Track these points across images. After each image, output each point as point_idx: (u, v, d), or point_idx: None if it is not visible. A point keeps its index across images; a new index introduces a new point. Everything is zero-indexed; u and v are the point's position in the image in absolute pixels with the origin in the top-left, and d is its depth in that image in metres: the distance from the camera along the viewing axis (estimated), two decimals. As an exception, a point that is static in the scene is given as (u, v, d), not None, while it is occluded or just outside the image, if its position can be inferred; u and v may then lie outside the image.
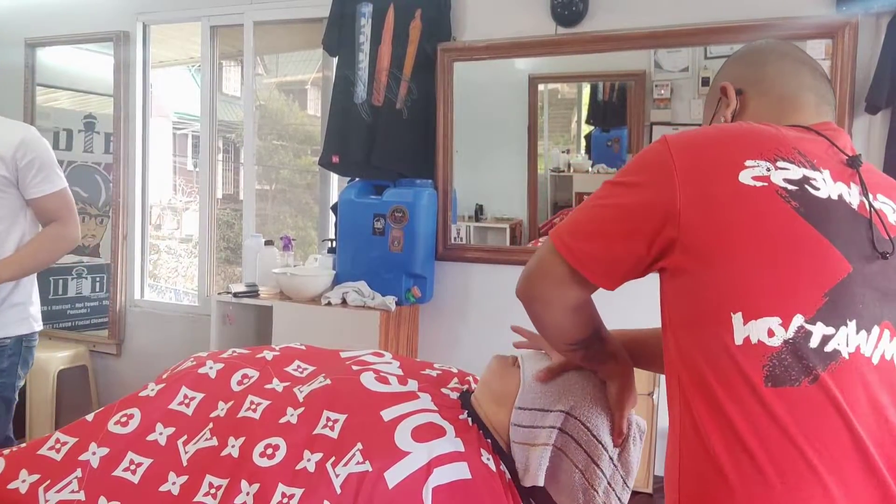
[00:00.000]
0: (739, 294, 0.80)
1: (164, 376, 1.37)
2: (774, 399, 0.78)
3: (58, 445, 1.24)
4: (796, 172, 0.85)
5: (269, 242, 2.85)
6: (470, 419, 1.22)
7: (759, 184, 0.83)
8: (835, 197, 0.85)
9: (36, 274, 2.02)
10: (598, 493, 1.14)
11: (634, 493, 2.24)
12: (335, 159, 2.74)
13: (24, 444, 1.30)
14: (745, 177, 0.84)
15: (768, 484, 0.76)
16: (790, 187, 0.83)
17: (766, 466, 0.77)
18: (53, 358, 3.22)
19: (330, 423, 1.14)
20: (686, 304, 0.85)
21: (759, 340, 0.79)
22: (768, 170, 0.84)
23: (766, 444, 0.77)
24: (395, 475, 1.05)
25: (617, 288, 0.92)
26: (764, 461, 0.77)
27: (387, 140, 2.65)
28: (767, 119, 0.97)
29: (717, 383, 0.80)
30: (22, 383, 2.02)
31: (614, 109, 2.76)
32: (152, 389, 1.32)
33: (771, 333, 0.79)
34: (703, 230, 0.83)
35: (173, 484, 1.14)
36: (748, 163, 0.85)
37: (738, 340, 0.79)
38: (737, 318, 0.80)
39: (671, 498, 0.86)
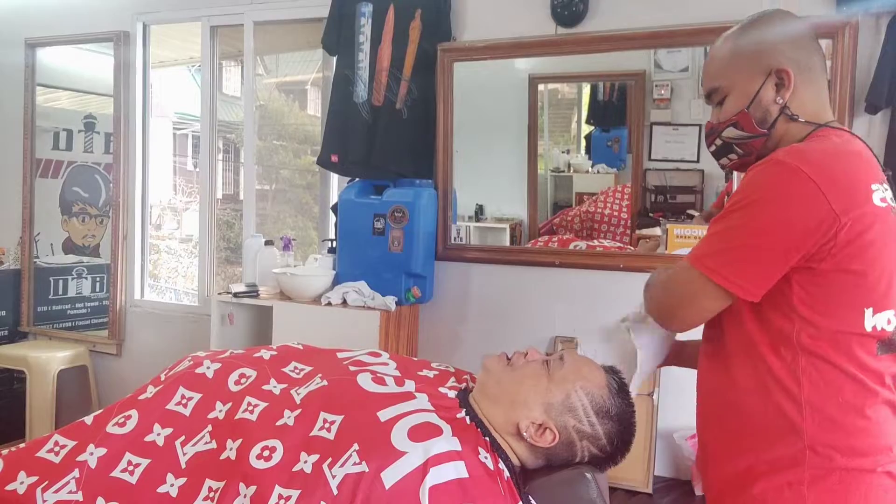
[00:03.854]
0: (873, 294, 1.02)
1: (162, 377, 1.37)
2: (883, 360, 1.04)
3: (56, 448, 1.24)
4: (890, 192, 1.05)
5: (269, 242, 2.84)
6: (468, 417, 1.21)
7: (883, 205, 1.02)
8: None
9: None
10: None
11: (634, 493, 2.24)
12: (334, 158, 2.73)
13: (22, 445, 1.30)
14: (876, 199, 1.01)
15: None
16: (894, 205, 1.04)
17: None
18: (53, 358, 3.21)
19: (326, 425, 1.14)
20: (823, 301, 1.02)
21: (881, 328, 1.04)
22: (885, 191, 1.03)
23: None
24: (391, 475, 1.05)
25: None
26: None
27: (387, 140, 2.65)
28: (811, 112, 1.09)
29: (839, 356, 1.03)
30: None
31: (614, 109, 2.76)
32: (150, 392, 1.32)
33: (889, 322, 1.04)
34: (854, 243, 0.99)
35: (171, 486, 1.15)
36: (874, 186, 1.02)
37: (867, 328, 1.03)
38: (868, 312, 1.03)
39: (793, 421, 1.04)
